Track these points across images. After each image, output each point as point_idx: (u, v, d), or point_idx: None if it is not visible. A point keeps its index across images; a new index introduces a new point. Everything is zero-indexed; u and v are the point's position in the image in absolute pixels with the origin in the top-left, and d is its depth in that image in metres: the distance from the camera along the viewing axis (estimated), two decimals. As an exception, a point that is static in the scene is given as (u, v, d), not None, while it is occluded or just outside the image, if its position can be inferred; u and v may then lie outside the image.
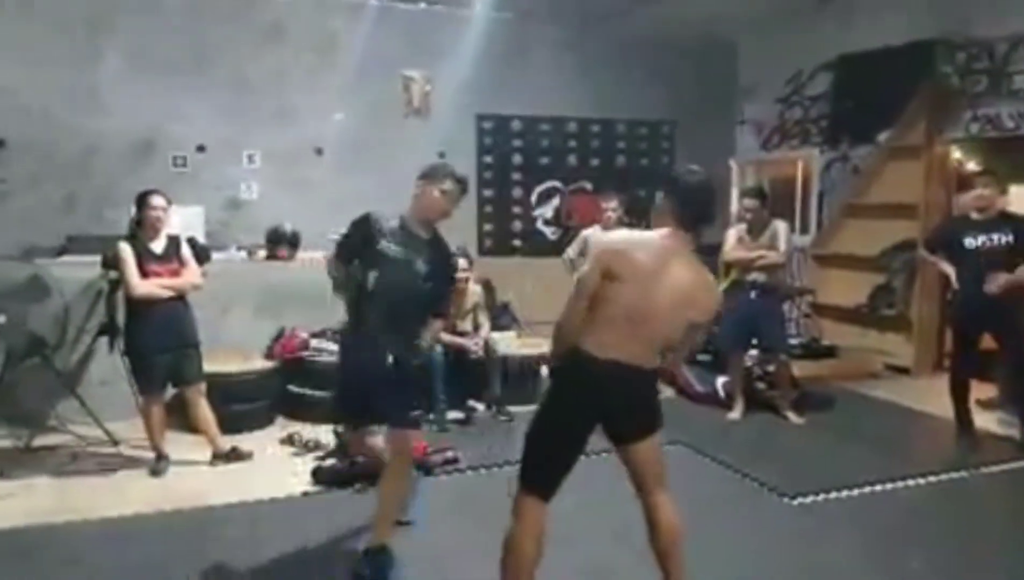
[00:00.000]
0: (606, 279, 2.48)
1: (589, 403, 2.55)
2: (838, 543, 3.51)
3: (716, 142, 8.11)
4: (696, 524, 3.28)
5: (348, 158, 7.02)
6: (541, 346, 5.98)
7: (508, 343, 5.94)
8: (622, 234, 2.61)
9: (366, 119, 7.07)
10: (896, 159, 6.79)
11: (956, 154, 6.58)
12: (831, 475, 4.26)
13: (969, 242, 4.65)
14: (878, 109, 6.90)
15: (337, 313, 5.73)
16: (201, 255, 4.66)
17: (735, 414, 5.42)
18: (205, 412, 4.41)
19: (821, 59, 7.47)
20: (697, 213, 2.55)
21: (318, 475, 4.18)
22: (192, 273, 4.33)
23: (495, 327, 5.97)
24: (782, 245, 5.16)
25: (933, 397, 5.71)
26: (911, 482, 4.22)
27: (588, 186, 8.02)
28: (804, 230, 7.72)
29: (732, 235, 5.32)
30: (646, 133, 8.03)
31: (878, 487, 4.14)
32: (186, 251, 4.36)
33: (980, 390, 5.12)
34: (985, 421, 5.09)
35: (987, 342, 4.84)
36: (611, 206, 5.42)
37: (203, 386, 4.41)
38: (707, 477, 4.35)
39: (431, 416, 5.14)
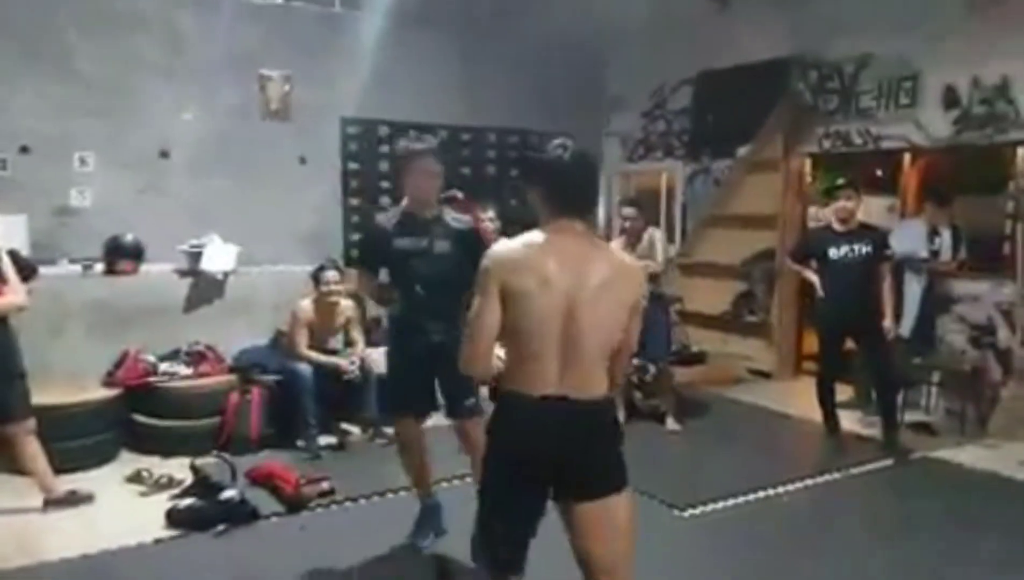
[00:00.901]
0: (508, 301, 2.03)
1: (527, 459, 2.07)
2: (733, 555, 3.50)
3: (585, 153, 8.13)
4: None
5: (199, 162, 6.41)
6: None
7: (382, 360, 5.59)
8: (507, 243, 2.13)
9: (220, 120, 6.49)
10: (755, 172, 7.08)
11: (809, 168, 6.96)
12: (716, 484, 4.28)
13: (833, 253, 4.85)
14: (737, 124, 7.16)
15: (189, 332, 5.26)
16: (25, 270, 4.01)
17: (617, 424, 5.38)
18: (34, 451, 3.79)
19: (683, 75, 7.68)
20: (580, 196, 2.16)
21: (173, 517, 3.69)
22: (15, 292, 3.70)
23: (367, 343, 5.61)
24: (659, 254, 5.25)
25: (795, 400, 5.97)
26: (790, 486, 4.31)
27: (459, 195, 7.78)
28: (669, 240, 7.89)
29: (615, 246, 5.28)
30: (516, 142, 7.94)
31: (760, 494, 4.20)
32: (7, 266, 3.72)
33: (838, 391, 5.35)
34: (847, 422, 5.31)
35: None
36: (489, 216, 5.24)
37: (31, 422, 3.78)
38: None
39: (300, 443, 4.74)
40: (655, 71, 7.88)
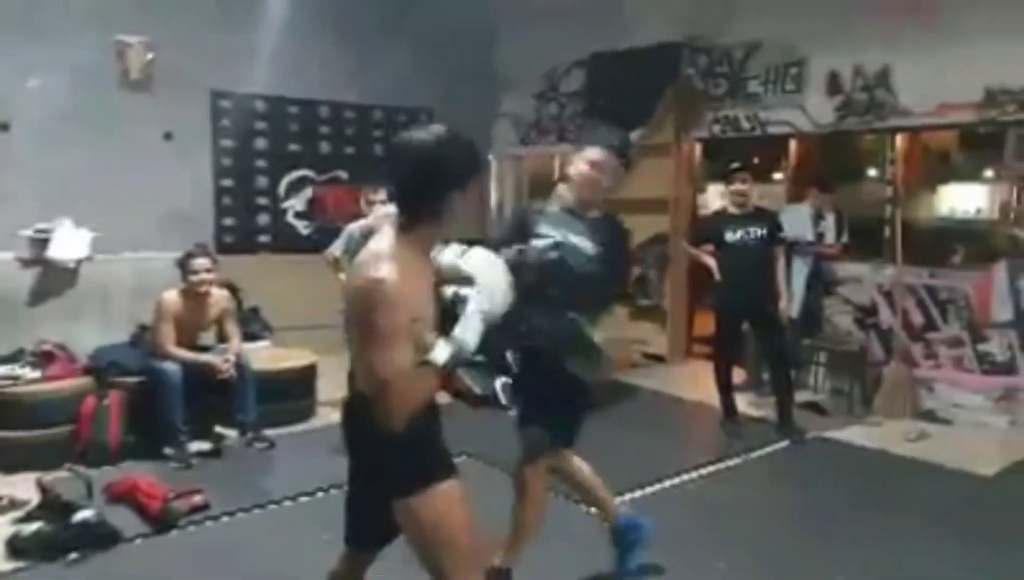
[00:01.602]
0: None
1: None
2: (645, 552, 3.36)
3: (475, 135, 7.63)
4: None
5: (46, 136, 5.71)
6: (299, 357, 5.30)
7: (262, 355, 5.15)
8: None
9: (71, 90, 5.80)
10: (648, 157, 7.01)
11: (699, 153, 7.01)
12: (622, 475, 4.09)
13: (729, 236, 4.86)
14: (630, 108, 7.08)
15: (35, 329, 4.63)
16: None
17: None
18: None
19: (576, 56, 7.55)
20: (402, 193, 1.89)
21: (15, 545, 3.19)
22: None
23: (244, 337, 5.16)
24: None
25: (689, 384, 5.99)
26: (695, 474, 4.27)
27: (343, 176, 7.39)
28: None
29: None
30: (405, 121, 7.57)
31: (667, 483, 4.13)
32: None
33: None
34: (740, 403, 5.31)
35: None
36: (380, 198, 4.91)
37: None
38: (502, 490, 3.99)
39: (168, 451, 4.25)
40: (547, 52, 7.70)
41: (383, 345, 1.72)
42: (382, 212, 4.40)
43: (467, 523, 1.94)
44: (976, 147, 6.14)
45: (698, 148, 6.98)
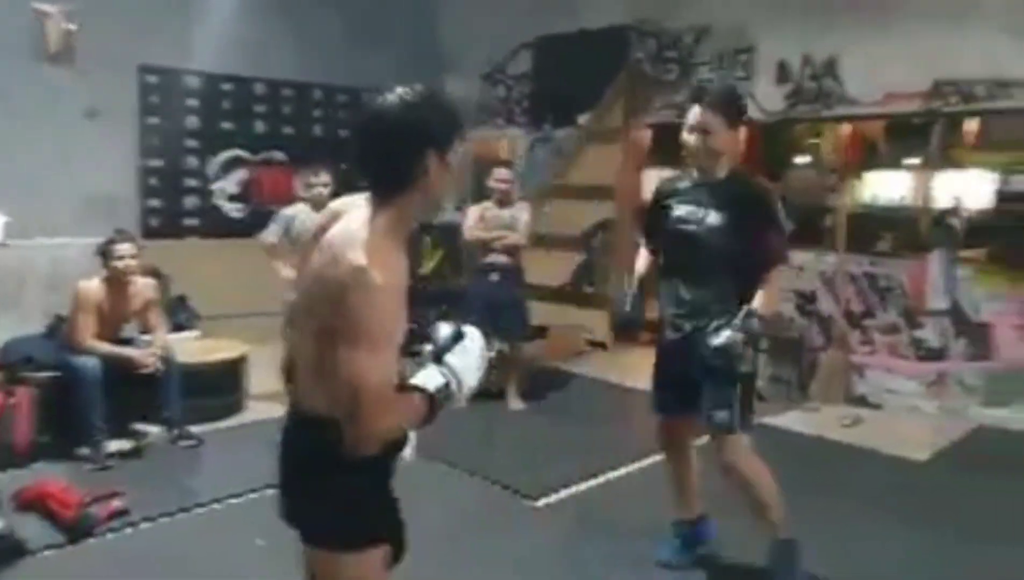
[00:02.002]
0: None
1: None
2: (594, 546, 3.29)
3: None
4: (441, 548, 2.84)
5: (-49, 111, 5.30)
6: (229, 348, 5.05)
7: (189, 347, 4.89)
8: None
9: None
10: (595, 142, 6.97)
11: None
12: (568, 467, 4.09)
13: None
14: (578, 91, 6.99)
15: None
16: None
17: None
18: None
19: (522, 38, 7.38)
20: (371, 162, 1.58)
21: (-92, 562, 2.92)
22: None
23: (172, 327, 4.90)
24: (522, 227, 5.11)
25: (632, 371, 5.91)
26: (643, 463, 4.17)
27: (280, 157, 7.09)
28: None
29: (474, 212, 5.14)
30: (346, 101, 7.32)
31: (612, 475, 4.08)
32: None
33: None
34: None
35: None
36: (322, 181, 4.69)
37: None
38: (443, 485, 3.89)
39: (84, 450, 3.97)
40: (492, 32, 7.51)
41: (365, 346, 1.41)
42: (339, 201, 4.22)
43: None
44: (909, 135, 6.18)
45: (649, 134, 6.90)
